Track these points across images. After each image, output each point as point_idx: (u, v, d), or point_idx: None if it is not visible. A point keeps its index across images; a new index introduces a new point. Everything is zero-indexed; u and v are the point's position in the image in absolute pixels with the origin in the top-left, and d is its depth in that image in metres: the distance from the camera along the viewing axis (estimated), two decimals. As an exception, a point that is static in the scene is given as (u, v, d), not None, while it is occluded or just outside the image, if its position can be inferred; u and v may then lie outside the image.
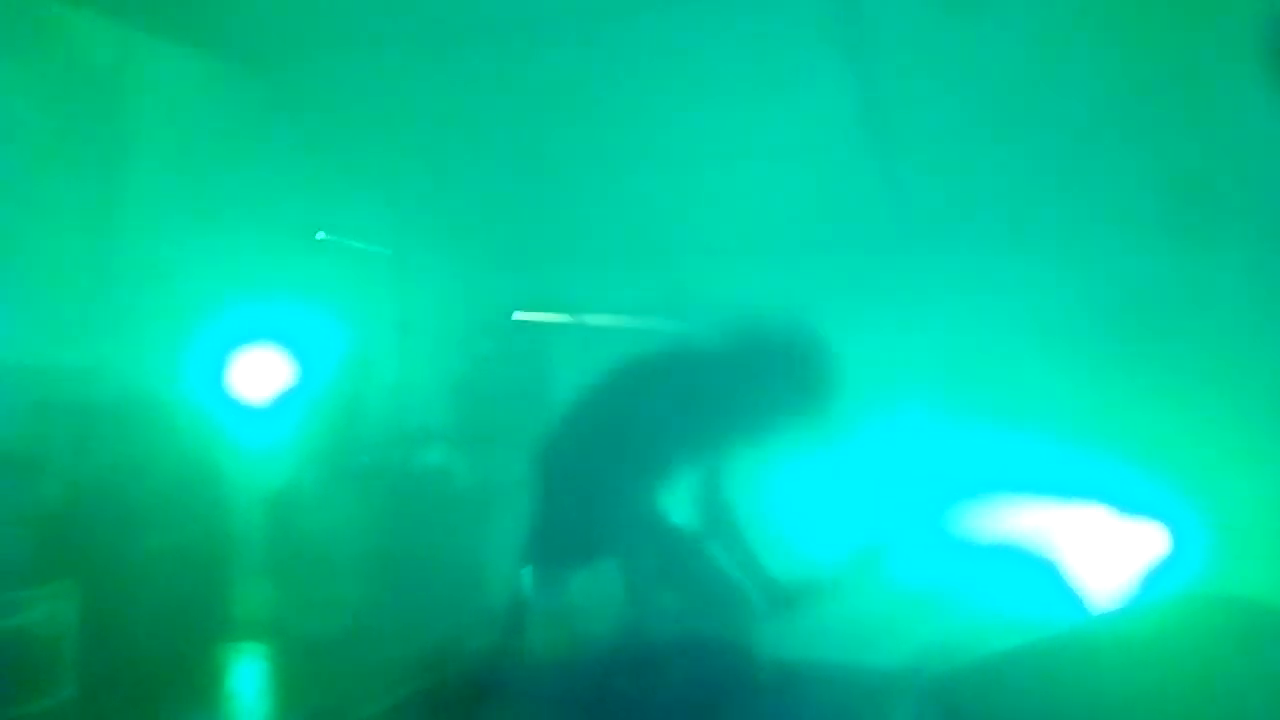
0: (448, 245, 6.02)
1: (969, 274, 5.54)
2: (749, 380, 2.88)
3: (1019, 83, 5.17)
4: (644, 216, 5.69)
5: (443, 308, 5.80)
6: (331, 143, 5.82)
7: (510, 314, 5.79)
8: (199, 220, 5.40)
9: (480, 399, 5.75)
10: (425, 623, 4.87)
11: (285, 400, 5.37)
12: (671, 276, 5.58)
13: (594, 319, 5.65)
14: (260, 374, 5.31)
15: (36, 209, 5.00)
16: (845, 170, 5.61)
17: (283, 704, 4.25)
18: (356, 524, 5.18)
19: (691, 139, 5.62)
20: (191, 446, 4.66)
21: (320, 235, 5.42)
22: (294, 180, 5.65)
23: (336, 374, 5.57)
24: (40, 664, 3.90)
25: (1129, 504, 4.46)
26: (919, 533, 4.73)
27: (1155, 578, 3.77)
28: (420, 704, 1.69)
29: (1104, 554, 4.34)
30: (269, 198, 5.57)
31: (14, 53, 5.01)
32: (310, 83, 5.83)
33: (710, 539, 2.92)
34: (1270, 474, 4.65)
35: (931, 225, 5.58)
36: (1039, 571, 4.47)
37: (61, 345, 4.65)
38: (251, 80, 5.93)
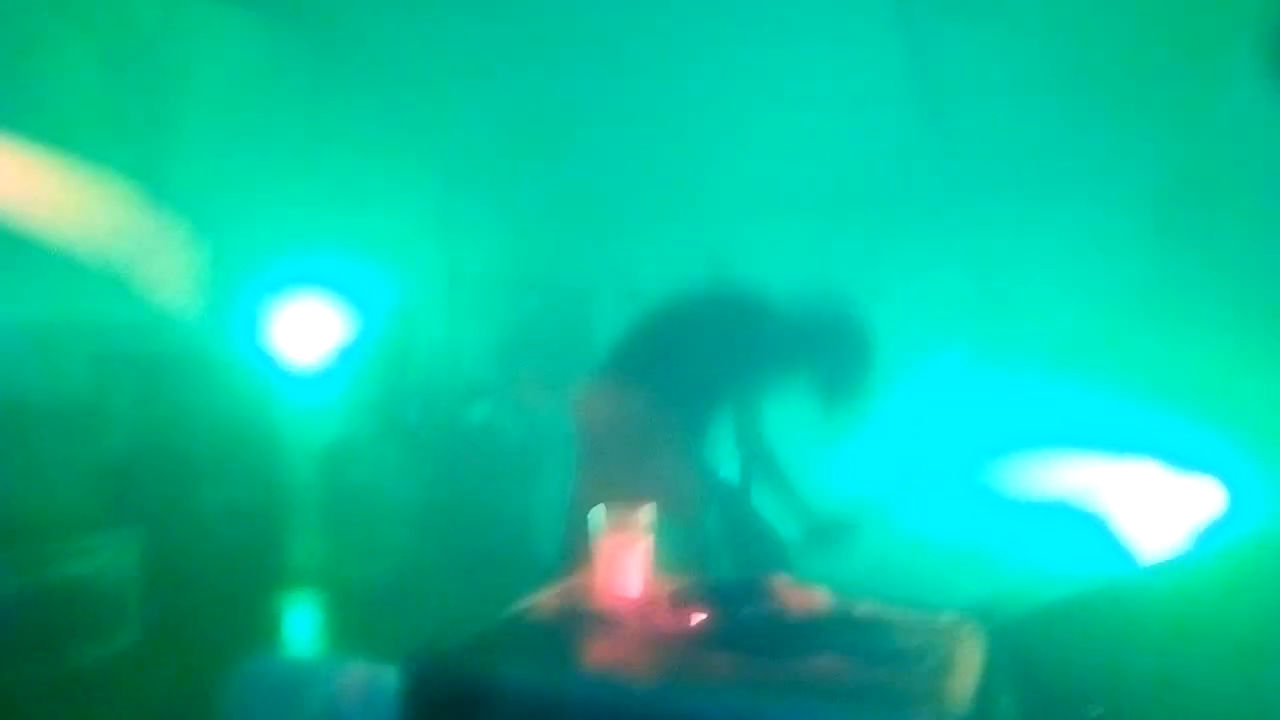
0: (495, 200, 6.04)
1: (1018, 224, 5.48)
2: (790, 343, 2.90)
3: (1067, 29, 5.07)
4: (691, 173, 5.67)
5: (490, 263, 5.83)
6: (381, 97, 5.84)
7: (556, 270, 5.82)
8: (250, 176, 5.45)
9: (526, 354, 5.80)
10: (472, 572, 4.96)
11: (335, 355, 5.45)
12: (717, 232, 5.58)
13: (640, 275, 5.65)
14: (311, 329, 5.39)
15: (91, 168, 5.07)
16: (893, 123, 5.56)
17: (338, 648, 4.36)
18: (406, 476, 5.27)
19: (738, 94, 5.58)
20: (246, 400, 4.75)
21: None
22: (344, 135, 5.69)
23: (386, 329, 5.64)
24: (105, 610, 4.03)
25: (1182, 458, 4.41)
26: (966, 486, 4.73)
27: (1209, 534, 3.73)
28: (502, 634, 1.73)
29: (1156, 510, 4.30)
30: (320, 153, 5.60)
31: (66, 13, 5.06)
32: (358, 37, 5.85)
33: (753, 478, 2.98)
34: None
35: (980, 174, 5.51)
36: (1090, 527, 4.45)
37: (121, 301, 4.73)
38: (300, 36, 5.94)
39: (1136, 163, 5.22)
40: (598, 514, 1.90)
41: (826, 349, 2.89)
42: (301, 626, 4.64)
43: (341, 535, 5.19)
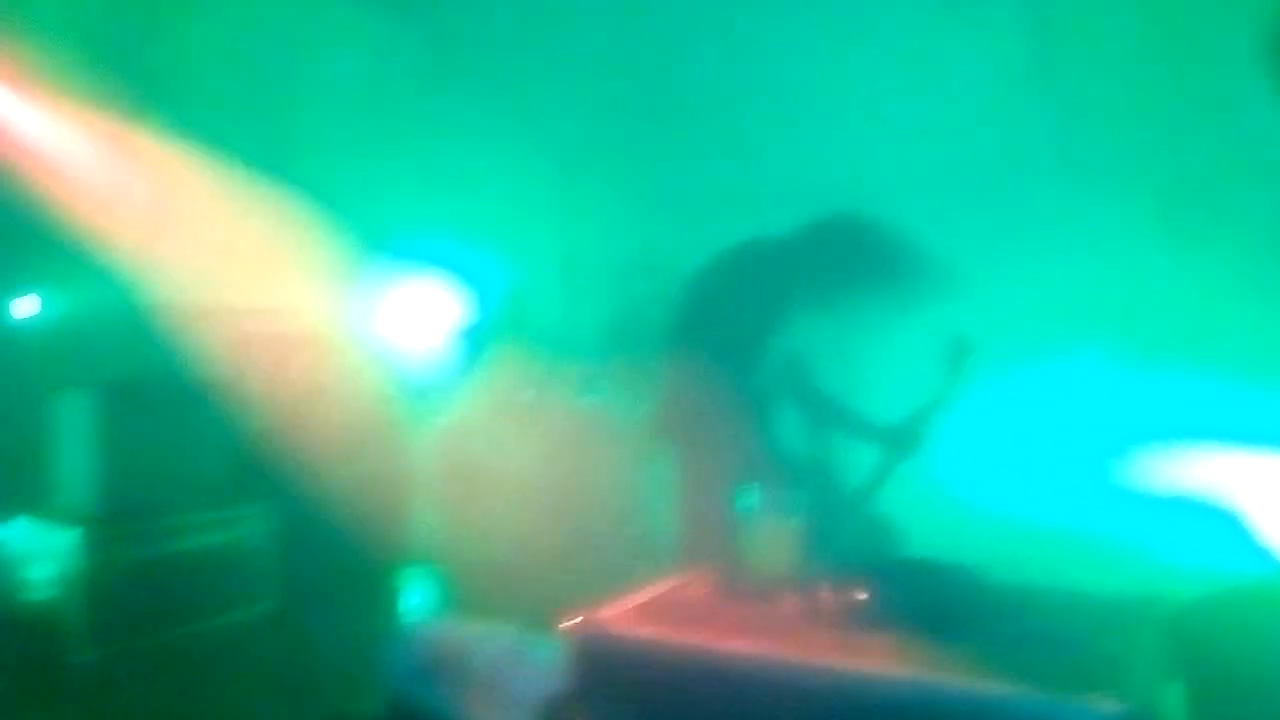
0: (609, 184, 6.09)
1: (1143, 214, 5.31)
2: (820, 262, 2.96)
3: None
4: (803, 157, 5.63)
5: (604, 247, 5.89)
6: (497, 84, 5.94)
7: (667, 254, 5.83)
8: (371, 163, 5.60)
9: (637, 337, 5.84)
10: (586, 551, 5.05)
11: (454, 336, 5.59)
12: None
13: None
14: (430, 311, 5.53)
15: (220, 157, 5.27)
16: (1014, 107, 5.43)
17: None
18: (521, 457, 5.37)
19: (853, 78, 5.51)
20: (371, 380, 4.91)
21: None
22: (461, 122, 5.80)
23: (502, 311, 5.75)
24: (244, 577, 4.21)
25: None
26: (1100, 481, 4.62)
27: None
28: (661, 605, 1.77)
29: (1293, 503, 4.16)
30: (438, 139, 5.73)
31: (192, 5, 5.26)
32: (475, 24, 5.95)
33: (815, 417, 3.00)
34: None
35: (1107, 159, 5.34)
36: (1222, 522, 4.32)
37: (253, 285, 4.92)
38: (417, 25, 6.08)
39: (1270, 149, 5.02)
40: (746, 493, 1.93)
41: (843, 257, 2.89)
42: (424, 598, 4.78)
43: (458, 512, 5.33)
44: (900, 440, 2.89)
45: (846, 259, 2.93)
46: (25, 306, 4.38)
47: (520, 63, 5.93)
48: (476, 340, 5.64)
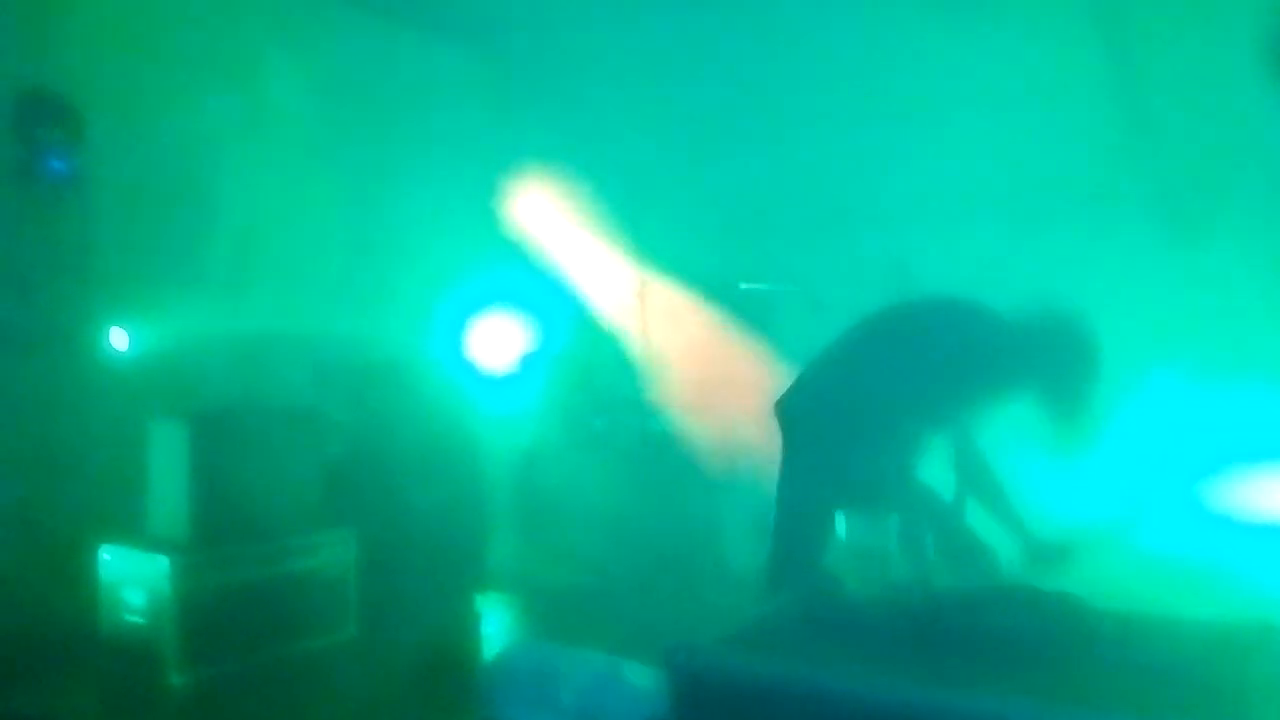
0: (681, 211, 6.13)
1: (1230, 229, 5.18)
2: (1020, 350, 2.82)
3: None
4: (877, 179, 5.61)
5: (676, 273, 5.92)
6: (569, 113, 6.02)
7: (738, 283, 5.85)
8: (448, 195, 5.71)
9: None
10: (660, 579, 5.05)
11: (529, 364, 5.66)
12: (904, 240, 5.50)
13: (821, 288, 5.63)
14: (506, 340, 5.61)
15: (307, 193, 5.43)
16: (1087, 134, 5.35)
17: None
18: (595, 484, 5.41)
19: (926, 96, 5.49)
20: (449, 407, 4.98)
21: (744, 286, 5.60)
22: (530, 154, 5.90)
23: (575, 340, 5.81)
24: (326, 603, 4.28)
25: None
26: (1179, 504, 4.50)
27: None
28: (749, 633, 1.76)
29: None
30: (510, 173, 5.83)
31: (283, 43, 5.42)
32: (548, 61, 6.05)
33: (969, 496, 2.91)
34: None
35: (1188, 178, 5.24)
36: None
37: (336, 314, 5.04)
38: (490, 58, 6.21)
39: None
40: (838, 519, 1.92)
41: (1053, 359, 2.80)
42: (501, 625, 4.80)
43: (534, 539, 5.37)
44: (1041, 559, 2.78)
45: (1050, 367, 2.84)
46: (119, 338, 4.53)
47: (592, 93, 6.02)
48: (552, 368, 5.70)
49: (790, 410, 3.05)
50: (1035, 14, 4.95)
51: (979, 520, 2.93)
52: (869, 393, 2.84)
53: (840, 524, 1.86)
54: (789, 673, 1.61)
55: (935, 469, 2.98)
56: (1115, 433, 3.38)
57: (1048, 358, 2.82)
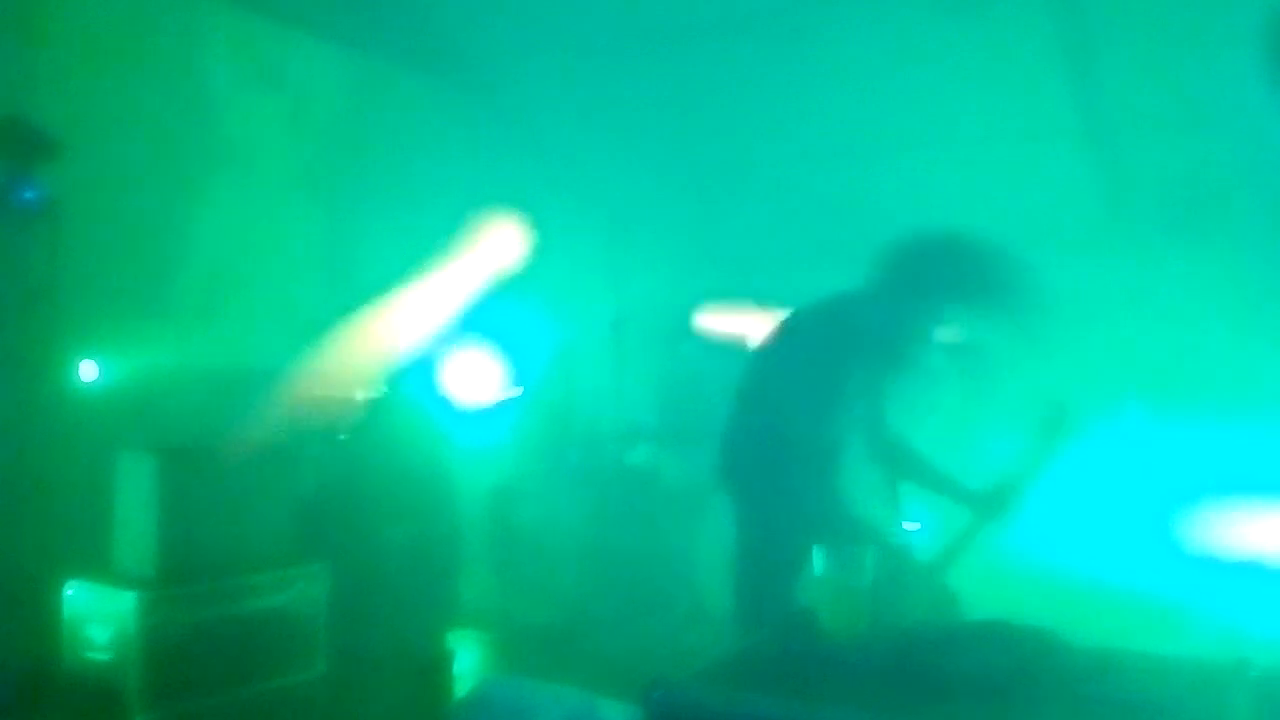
0: (659, 246, 6.15)
1: (1195, 264, 5.26)
2: (896, 301, 2.80)
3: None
4: (854, 214, 5.65)
5: (649, 308, 5.93)
6: (544, 149, 6.05)
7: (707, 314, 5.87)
8: (424, 224, 5.71)
9: (686, 398, 5.86)
10: (637, 615, 5.02)
11: (503, 398, 5.64)
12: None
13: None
14: (480, 373, 5.59)
15: (280, 227, 5.41)
16: (1060, 163, 5.43)
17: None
18: (570, 519, 5.38)
19: (898, 133, 5.56)
20: (422, 442, 4.95)
21: None
22: (507, 188, 5.91)
23: (547, 374, 5.80)
24: (296, 641, 4.21)
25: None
26: (1156, 540, 4.52)
27: None
28: (725, 669, 1.75)
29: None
30: (486, 202, 5.83)
31: (258, 76, 5.43)
32: (521, 90, 6.08)
33: (902, 480, 2.92)
34: None
35: (1155, 211, 5.32)
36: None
37: (306, 348, 5.00)
38: (466, 91, 6.23)
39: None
40: (818, 556, 1.91)
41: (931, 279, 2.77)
42: (473, 663, 4.75)
43: (508, 575, 5.32)
44: (989, 506, 2.79)
45: (931, 299, 2.82)
46: (88, 370, 4.48)
47: (567, 124, 6.05)
48: (525, 401, 5.68)
49: (726, 469, 3.02)
50: (1022, 16, 4.99)
51: (922, 503, 2.94)
52: (781, 418, 2.80)
53: (811, 558, 1.85)
54: (766, 709, 1.59)
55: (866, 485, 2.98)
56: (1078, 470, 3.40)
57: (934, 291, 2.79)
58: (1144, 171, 5.36)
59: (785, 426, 2.77)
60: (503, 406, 5.65)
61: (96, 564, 3.98)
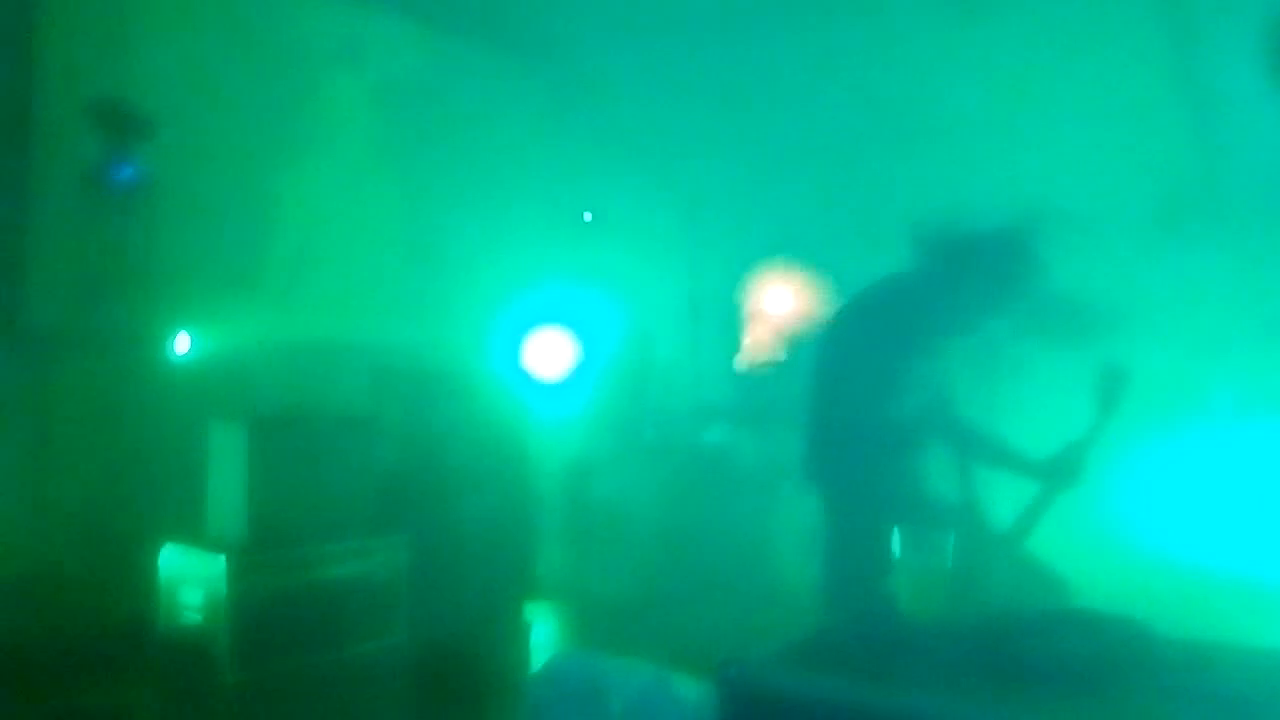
0: (737, 225, 6.11)
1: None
2: (950, 285, 2.81)
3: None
4: (932, 194, 5.53)
5: (731, 287, 5.90)
6: (623, 129, 6.04)
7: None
8: (503, 210, 5.77)
9: (762, 379, 5.83)
10: (709, 592, 5.02)
11: (581, 375, 5.67)
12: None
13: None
14: (559, 350, 5.64)
15: (363, 203, 5.51)
16: (1157, 147, 5.24)
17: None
18: (645, 496, 5.40)
19: (984, 110, 5.42)
20: (502, 416, 5.00)
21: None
22: (586, 171, 5.93)
23: (627, 351, 5.82)
24: (377, 609, 4.31)
25: None
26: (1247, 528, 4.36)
27: None
28: (801, 650, 1.74)
29: None
30: (569, 183, 5.86)
31: (348, 58, 5.51)
32: (600, 71, 6.07)
33: (971, 461, 2.89)
34: None
35: (1257, 194, 5.09)
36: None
37: (394, 322, 5.10)
38: (545, 74, 6.25)
39: None
40: (894, 538, 1.89)
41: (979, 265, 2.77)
42: (549, 635, 4.81)
43: (583, 549, 5.38)
44: (1057, 475, 2.78)
45: (992, 287, 2.83)
46: (182, 343, 4.63)
47: (646, 104, 6.03)
48: (605, 379, 5.71)
49: (814, 469, 3.01)
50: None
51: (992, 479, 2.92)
52: (852, 408, 2.81)
53: (897, 543, 1.84)
54: (839, 691, 1.59)
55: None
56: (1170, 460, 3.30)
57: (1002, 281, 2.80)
58: (1237, 155, 5.13)
59: (857, 415, 2.78)
60: (582, 383, 5.69)
61: (190, 529, 4.11)
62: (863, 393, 2.73)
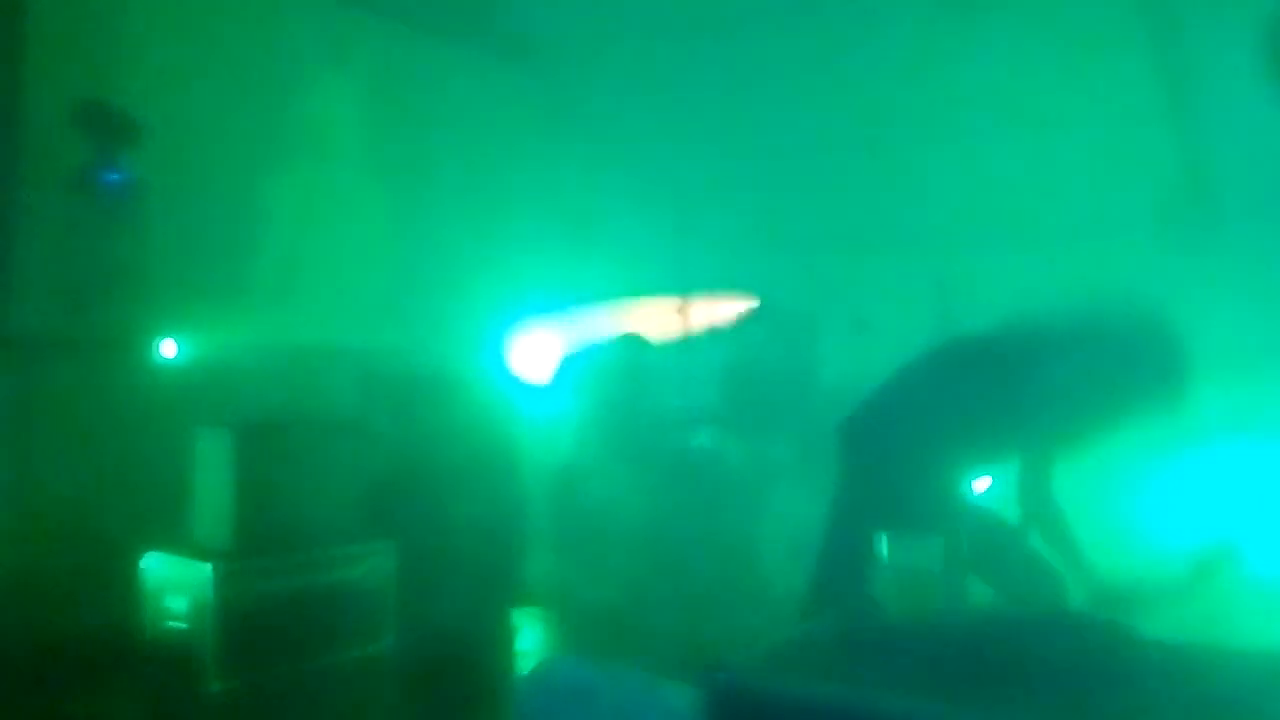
0: (725, 229, 6.12)
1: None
2: (1088, 368, 2.67)
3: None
4: (920, 203, 5.56)
5: (719, 291, 5.91)
6: (612, 133, 6.05)
7: (782, 299, 5.82)
8: (491, 213, 5.76)
9: (750, 384, 5.83)
10: (698, 597, 5.01)
11: (569, 379, 5.67)
12: (949, 262, 5.44)
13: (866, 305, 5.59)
14: (547, 354, 5.63)
15: (352, 208, 5.50)
16: (1140, 151, 5.26)
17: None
18: (634, 500, 5.39)
19: (972, 116, 5.44)
20: (491, 421, 4.99)
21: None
22: (577, 168, 5.93)
23: (611, 357, 5.81)
24: (364, 615, 4.29)
25: None
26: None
27: None
28: (786, 654, 1.74)
29: None
30: (555, 187, 5.86)
31: (337, 63, 5.51)
32: (589, 74, 6.08)
33: (1031, 530, 2.81)
34: None
35: (1246, 199, 5.11)
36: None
37: (381, 327, 5.09)
38: (535, 77, 6.26)
39: None
40: (881, 541, 1.89)
41: (1125, 358, 2.65)
42: (537, 640, 4.80)
43: (571, 554, 5.36)
44: (1111, 605, 2.64)
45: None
46: (168, 348, 4.61)
47: (635, 108, 6.04)
48: (594, 383, 5.70)
49: (858, 431, 2.97)
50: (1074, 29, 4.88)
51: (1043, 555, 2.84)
52: (943, 420, 2.72)
53: (885, 546, 1.83)
54: (826, 694, 1.58)
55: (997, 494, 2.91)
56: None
57: (1134, 375, 2.67)
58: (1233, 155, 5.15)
59: (941, 433, 2.72)
60: (570, 387, 5.68)
61: (175, 536, 4.09)
62: (960, 428, 2.66)
